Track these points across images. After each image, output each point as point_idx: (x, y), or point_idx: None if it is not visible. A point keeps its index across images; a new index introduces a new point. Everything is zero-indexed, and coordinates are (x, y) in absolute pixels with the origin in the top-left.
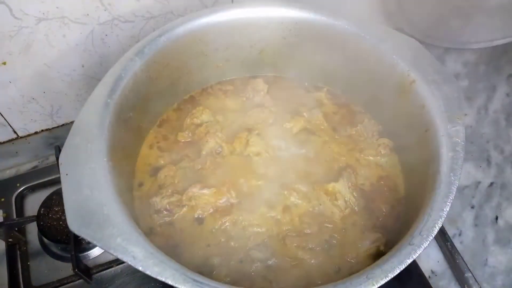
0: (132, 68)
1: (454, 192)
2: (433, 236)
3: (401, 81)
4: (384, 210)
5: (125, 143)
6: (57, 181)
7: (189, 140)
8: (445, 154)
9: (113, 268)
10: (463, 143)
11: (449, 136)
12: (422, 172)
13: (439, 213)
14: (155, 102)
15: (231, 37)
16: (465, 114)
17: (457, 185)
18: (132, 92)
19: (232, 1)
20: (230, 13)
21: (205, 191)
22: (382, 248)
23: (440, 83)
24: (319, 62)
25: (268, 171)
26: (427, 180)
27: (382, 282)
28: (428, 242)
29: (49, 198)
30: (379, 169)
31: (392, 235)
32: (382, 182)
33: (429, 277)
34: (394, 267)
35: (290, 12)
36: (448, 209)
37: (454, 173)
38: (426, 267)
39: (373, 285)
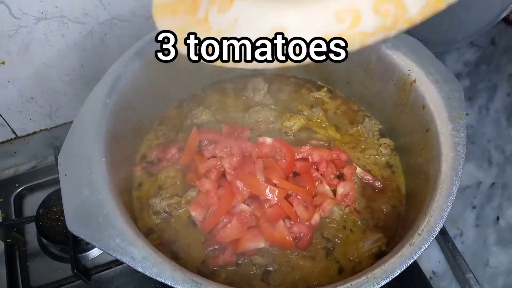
0: (132, 68)
1: (455, 193)
2: (434, 236)
3: (401, 81)
4: (385, 210)
5: (124, 143)
6: (56, 182)
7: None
8: (446, 154)
9: (112, 269)
10: (464, 143)
11: (450, 136)
12: (423, 172)
13: (440, 213)
14: (155, 101)
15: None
16: (466, 114)
17: (458, 185)
18: (132, 91)
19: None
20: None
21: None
22: (384, 248)
23: (441, 83)
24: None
25: None
26: (428, 180)
27: (383, 283)
28: (429, 242)
29: (48, 198)
30: (380, 169)
31: (393, 235)
32: (383, 182)
33: (430, 277)
34: (395, 268)
35: None
36: (449, 210)
37: (455, 173)
38: (427, 268)
39: (374, 286)
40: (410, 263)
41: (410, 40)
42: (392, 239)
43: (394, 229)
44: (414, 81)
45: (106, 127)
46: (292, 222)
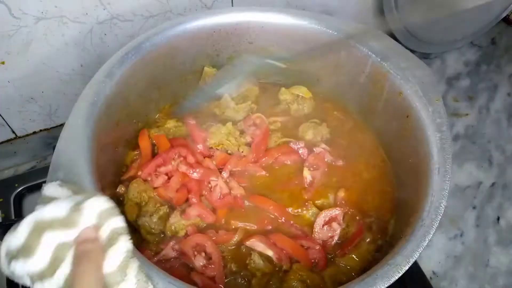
0: (103, 92)
1: (450, 170)
2: (441, 216)
3: (374, 72)
4: (378, 202)
5: (107, 171)
6: None
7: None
8: (433, 135)
9: None
10: (447, 122)
11: (432, 118)
12: (412, 156)
13: (441, 193)
14: (127, 123)
15: (199, 47)
16: (466, 114)
17: (451, 163)
18: (105, 116)
19: (232, 4)
20: (196, 23)
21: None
22: (380, 242)
23: (413, 69)
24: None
25: None
26: (419, 163)
27: (406, 267)
28: (438, 221)
29: None
30: (370, 165)
31: (385, 224)
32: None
33: (431, 278)
34: (413, 250)
35: (253, 16)
36: (448, 187)
37: (446, 152)
38: (427, 268)
39: (398, 272)
40: (425, 244)
41: (377, 34)
42: (385, 230)
43: (388, 220)
44: (388, 71)
45: (90, 159)
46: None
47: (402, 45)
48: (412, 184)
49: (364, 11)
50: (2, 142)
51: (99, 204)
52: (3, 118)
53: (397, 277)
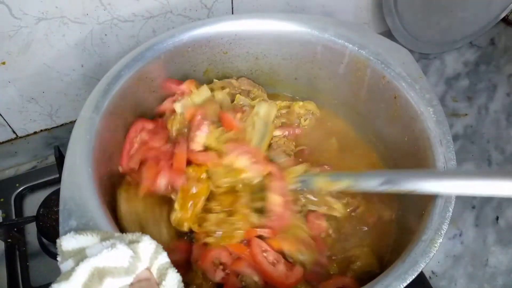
0: (94, 128)
1: (452, 141)
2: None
3: (353, 61)
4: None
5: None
6: (56, 181)
7: None
8: (426, 111)
9: None
10: (436, 98)
11: (420, 95)
12: (407, 135)
13: (450, 163)
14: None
15: (176, 64)
16: (466, 114)
17: (450, 134)
18: (100, 152)
19: (232, 5)
20: (171, 40)
21: None
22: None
23: (392, 52)
24: (267, 62)
25: None
26: (417, 141)
27: (439, 241)
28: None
29: (48, 198)
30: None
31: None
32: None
33: (430, 277)
34: (441, 223)
35: (226, 26)
36: (455, 157)
37: (442, 124)
38: (426, 267)
39: (435, 246)
40: (451, 213)
41: (349, 24)
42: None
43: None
44: (368, 58)
45: (98, 198)
46: None
47: (402, 45)
48: (414, 161)
49: (363, 12)
50: (3, 142)
51: (150, 246)
52: (3, 118)
53: (434, 252)
